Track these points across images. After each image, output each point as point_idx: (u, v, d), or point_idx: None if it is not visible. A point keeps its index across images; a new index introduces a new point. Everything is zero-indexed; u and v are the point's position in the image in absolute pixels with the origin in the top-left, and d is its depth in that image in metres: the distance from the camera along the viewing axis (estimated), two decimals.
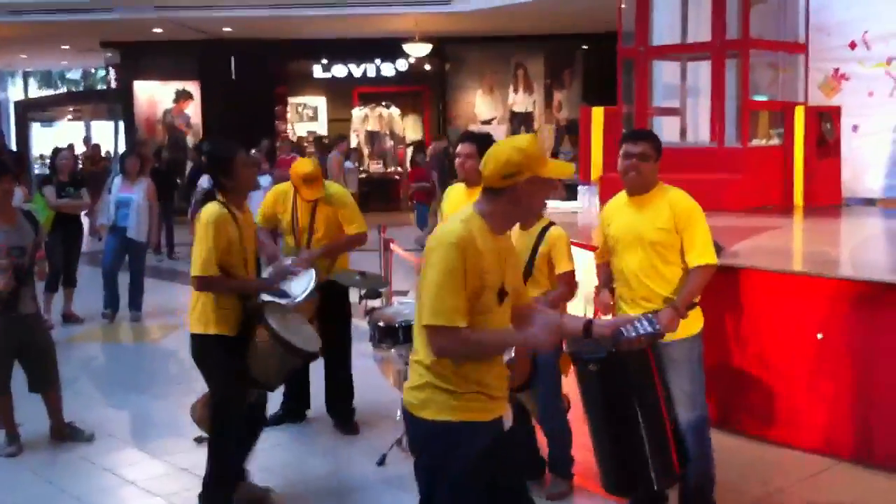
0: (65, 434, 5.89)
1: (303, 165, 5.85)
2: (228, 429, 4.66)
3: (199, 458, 5.53)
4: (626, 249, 4.27)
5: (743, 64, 9.58)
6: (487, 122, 19.03)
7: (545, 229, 4.78)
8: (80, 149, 18.78)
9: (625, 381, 3.93)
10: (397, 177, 19.25)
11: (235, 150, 4.61)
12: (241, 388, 4.64)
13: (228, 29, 17.13)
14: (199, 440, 5.79)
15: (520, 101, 18.51)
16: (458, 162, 5.43)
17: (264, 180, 10.75)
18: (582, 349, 4.09)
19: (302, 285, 5.36)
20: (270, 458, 5.46)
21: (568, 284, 4.79)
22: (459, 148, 5.44)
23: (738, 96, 9.71)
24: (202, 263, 4.41)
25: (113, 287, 9.51)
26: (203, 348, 4.58)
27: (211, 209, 4.47)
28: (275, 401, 5.77)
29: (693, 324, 4.25)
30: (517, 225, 4.87)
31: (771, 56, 10.37)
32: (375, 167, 19.42)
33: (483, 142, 5.50)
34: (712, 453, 4.33)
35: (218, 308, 4.50)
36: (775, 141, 9.93)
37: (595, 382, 3.96)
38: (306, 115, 21.04)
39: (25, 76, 26.00)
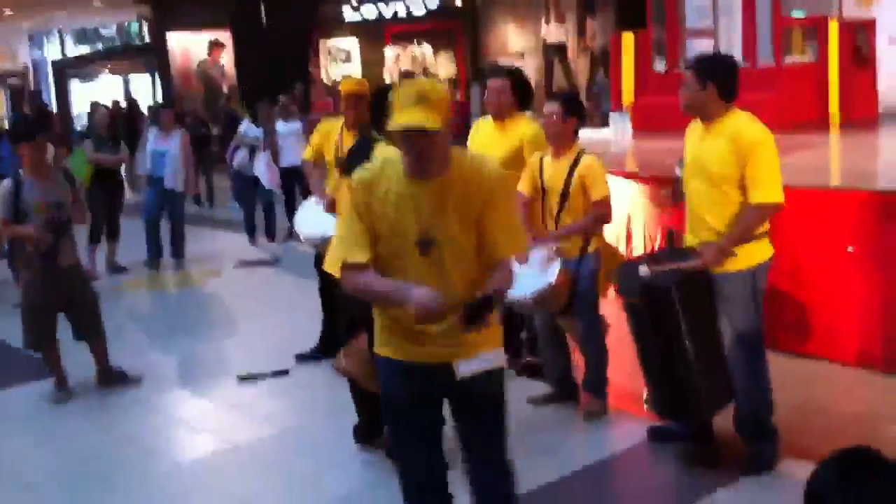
0: (112, 379, 6.08)
1: (348, 83, 5.83)
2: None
3: (244, 397, 5.74)
4: (691, 178, 4.18)
5: None
6: (521, 56, 18.81)
7: (578, 158, 4.82)
8: (118, 104, 18.95)
9: (671, 311, 4.01)
10: None
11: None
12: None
13: None
14: (242, 378, 5.97)
15: (552, 32, 18.17)
16: (489, 96, 5.44)
17: (293, 125, 10.80)
18: (622, 284, 4.22)
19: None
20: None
21: (603, 210, 4.83)
22: (490, 82, 5.43)
23: (770, 13, 9.51)
24: None
25: (155, 236, 9.70)
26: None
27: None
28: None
29: (748, 258, 4.06)
30: (550, 154, 4.92)
31: None
32: None
33: (515, 76, 5.52)
34: (768, 383, 4.24)
35: None
36: (809, 57, 9.73)
37: (642, 313, 4.11)
38: (339, 58, 20.98)
39: (61, 35, 26.23)
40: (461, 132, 14.75)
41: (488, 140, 5.41)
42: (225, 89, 18.41)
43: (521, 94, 5.34)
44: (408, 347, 2.99)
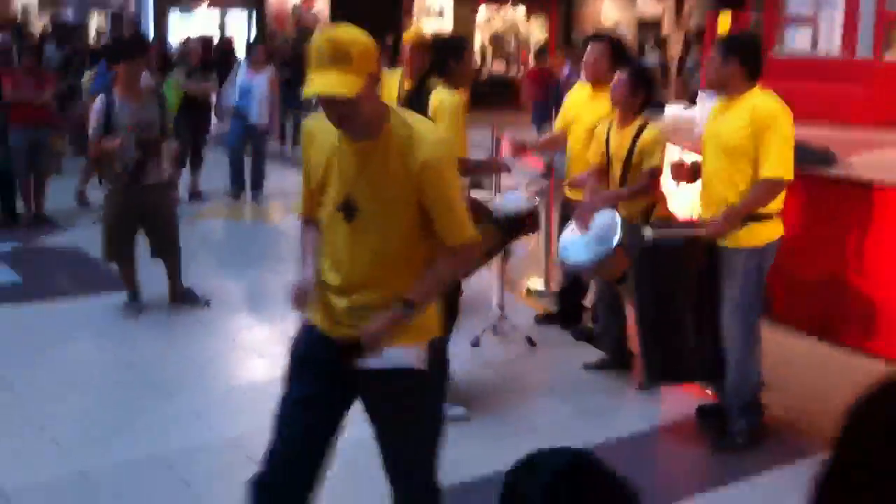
0: (182, 298, 6.29)
1: (409, 33, 5.90)
2: (447, 310, 4.65)
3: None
4: (707, 152, 4.28)
5: None
6: (614, 28, 18.60)
7: (642, 129, 4.85)
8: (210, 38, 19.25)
9: (668, 272, 4.19)
10: (520, 77, 19.16)
11: (466, 41, 4.87)
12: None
13: None
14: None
15: (649, 6, 17.97)
16: (587, 61, 5.47)
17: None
18: (631, 241, 4.33)
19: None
20: None
21: (647, 180, 4.87)
22: (590, 48, 5.48)
23: (875, 6, 9.24)
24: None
25: (237, 168, 9.91)
26: None
27: (447, 96, 4.51)
28: None
29: (755, 235, 4.12)
30: (615, 123, 4.94)
31: None
32: (497, 67, 19.33)
33: (615, 43, 5.54)
34: (759, 358, 4.32)
35: None
36: None
37: (642, 273, 4.24)
38: (433, 12, 20.99)
39: None
40: (545, 98, 14.68)
41: (581, 105, 5.52)
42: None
43: (618, 62, 5.35)
44: (324, 320, 2.71)
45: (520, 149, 6.04)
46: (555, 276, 6.58)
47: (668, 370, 4.42)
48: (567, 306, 6.01)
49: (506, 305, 5.77)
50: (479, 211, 4.74)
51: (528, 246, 7.22)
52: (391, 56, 13.17)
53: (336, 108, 2.45)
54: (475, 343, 5.55)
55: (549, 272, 6.78)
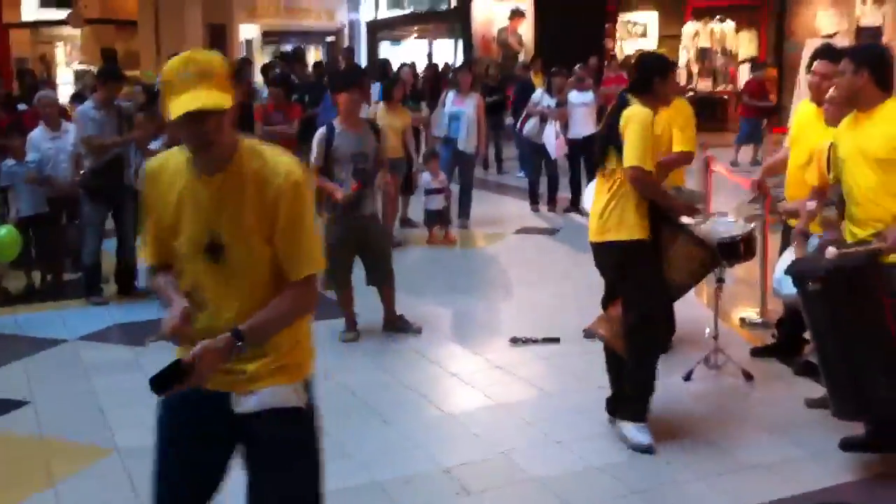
0: (396, 326, 6.49)
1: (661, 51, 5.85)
2: (654, 338, 4.61)
3: (513, 358, 5.93)
4: (854, 169, 4.10)
5: None
6: (829, 37, 17.67)
7: None
8: (422, 66, 19.87)
9: (849, 300, 3.91)
10: (726, 95, 18.53)
11: (671, 63, 4.85)
12: (664, 294, 4.64)
13: None
14: (514, 341, 6.17)
15: (868, 12, 16.94)
16: (812, 80, 5.25)
17: (586, 96, 10.84)
18: (803, 268, 4.04)
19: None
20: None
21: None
22: (815, 65, 5.24)
23: None
24: (641, 154, 4.32)
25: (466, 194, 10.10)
26: (624, 255, 4.46)
27: (640, 109, 4.43)
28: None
29: None
30: (845, 124, 4.66)
31: None
32: (704, 85, 18.80)
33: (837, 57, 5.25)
34: None
35: (638, 212, 4.42)
36: None
37: (818, 302, 3.99)
38: (635, 32, 20.72)
39: None
40: (758, 114, 14.10)
41: (809, 126, 5.24)
42: (521, 58, 18.76)
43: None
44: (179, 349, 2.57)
45: (758, 188, 5.87)
46: (772, 305, 6.31)
47: (860, 406, 4.09)
48: (786, 338, 5.74)
49: (720, 336, 5.58)
50: (688, 235, 4.62)
51: (742, 273, 6.98)
52: (594, 78, 13.11)
53: (202, 129, 2.36)
54: (688, 376, 5.40)
55: (766, 302, 6.50)
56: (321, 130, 6.29)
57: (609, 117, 4.61)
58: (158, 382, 2.37)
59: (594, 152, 4.74)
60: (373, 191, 6.37)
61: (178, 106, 2.34)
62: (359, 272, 6.43)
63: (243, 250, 2.49)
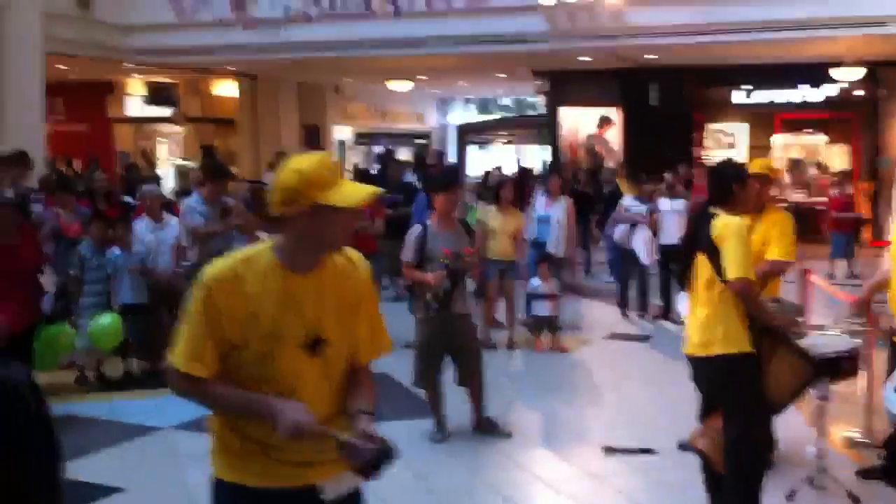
0: (485, 428, 6.42)
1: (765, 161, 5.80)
2: (758, 456, 4.47)
3: (605, 467, 5.80)
4: None
5: None
6: None
7: None
8: (508, 170, 20.11)
9: None
10: (820, 207, 18.26)
11: (747, 168, 4.88)
12: (769, 410, 4.50)
13: (651, 56, 17.42)
14: (608, 450, 6.03)
15: None
16: None
17: (677, 204, 10.79)
18: None
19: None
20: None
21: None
22: None
23: None
24: (744, 264, 4.25)
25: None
26: (729, 369, 4.34)
27: (733, 218, 4.38)
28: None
29: None
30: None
31: None
32: (797, 196, 18.59)
33: None
34: None
35: (742, 324, 4.32)
36: None
37: None
38: (725, 142, 20.70)
39: (465, 103, 28.50)
40: (847, 228, 13.89)
41: None
42: (610, 164, 18.88)
43: None
44: (263, 470, 2.58)
45: (863, 307, 5.72)
46: (878, 425, 6.06)
47: None
48: (894, 460, 5.49)
49: (823, 456, 5.37)
50: (790, 347, 4.51)
51: (844, 389, 6.75)
52: (685, 185, 13.08)
53: (357, 219, 2.59)
54: (791, 496, 5.18)
55: (871, 420, 6.25)
56: (416, 229, 6.39)
57: (693, 224, 4.59)
58: (371, 469, 2.45)
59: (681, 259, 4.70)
60: (464, 291, 6.39)
61: (352, 194, 2.50)
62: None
63: (343, 341, 2.60)
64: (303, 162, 2.51)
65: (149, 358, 8.04)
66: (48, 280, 7.74)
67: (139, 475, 5.62)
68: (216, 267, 2.55)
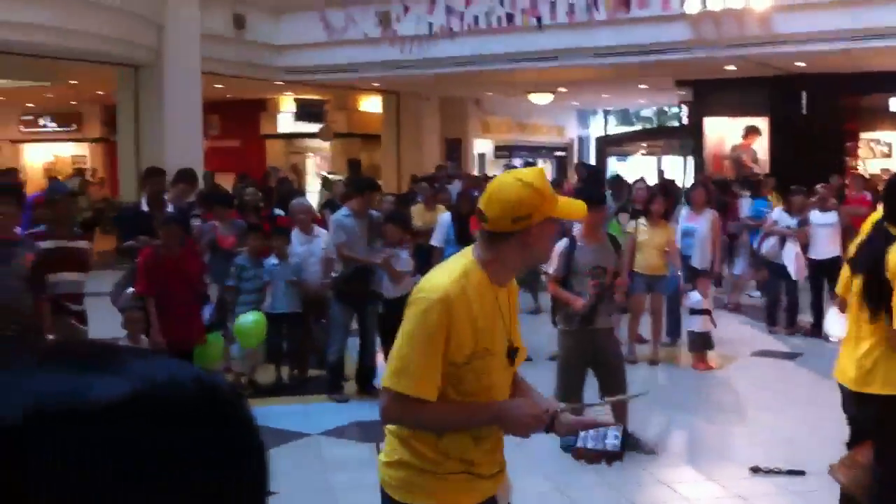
0: (629, 443, 6.35)
1: None
2: None
3: (753, 489, 5.66)
4: None
5: None
6: None
7: None
8: (650, 181, 19.85)
9: None
10: None
11: None
12: None
13: (801, 64, 16.86)
14: (755, 470, 5.89)
15: None
16: None
17: (829, 217, 10.38)
18: None
19: None
20: None
21: None
22: None
23: None
24: None
25: (676, 313, 9.93)
26: (888, 409, 4.06)
27: None
28: None
29: None
30: None
31: None
32: None
33: None
34: None
35: None
36: None
37: None
38: (880, 152, 19.81)
39: (605, 114, 28.32)
40: None
41: None
42: (758, 175, 18.36)
43: None
44: (469, 486, 2.60)
45: None
46: None
47: None
48: None
49: None
50: None
51: None
52: (837, 198, 12.59)
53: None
54: None
55: None
56: (563, 243, 6.39)
57: (866, 246, 4.19)
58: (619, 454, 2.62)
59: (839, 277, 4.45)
60: (608, 306, 6.36)
61: (572, 205, 2.69)
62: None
63: (523, 348, 2.74)
64: (529, 177, 2.53)
65: (299, 366, 8.33)
66: (209, 291, 8.14)
67: (285, 480, 5.82)
68: (443, 283, 2.49)
